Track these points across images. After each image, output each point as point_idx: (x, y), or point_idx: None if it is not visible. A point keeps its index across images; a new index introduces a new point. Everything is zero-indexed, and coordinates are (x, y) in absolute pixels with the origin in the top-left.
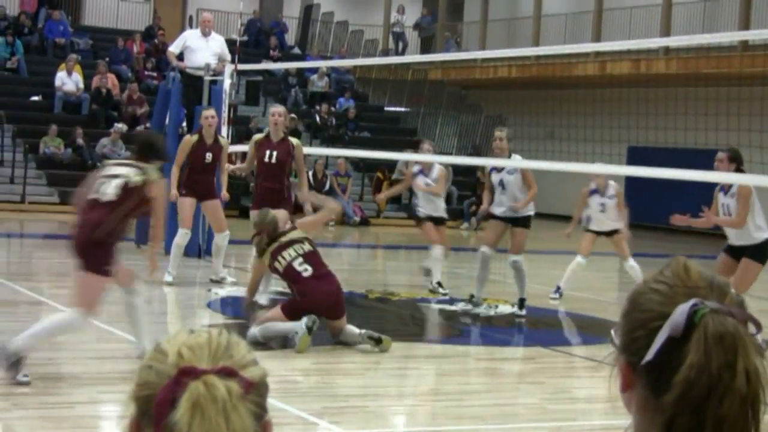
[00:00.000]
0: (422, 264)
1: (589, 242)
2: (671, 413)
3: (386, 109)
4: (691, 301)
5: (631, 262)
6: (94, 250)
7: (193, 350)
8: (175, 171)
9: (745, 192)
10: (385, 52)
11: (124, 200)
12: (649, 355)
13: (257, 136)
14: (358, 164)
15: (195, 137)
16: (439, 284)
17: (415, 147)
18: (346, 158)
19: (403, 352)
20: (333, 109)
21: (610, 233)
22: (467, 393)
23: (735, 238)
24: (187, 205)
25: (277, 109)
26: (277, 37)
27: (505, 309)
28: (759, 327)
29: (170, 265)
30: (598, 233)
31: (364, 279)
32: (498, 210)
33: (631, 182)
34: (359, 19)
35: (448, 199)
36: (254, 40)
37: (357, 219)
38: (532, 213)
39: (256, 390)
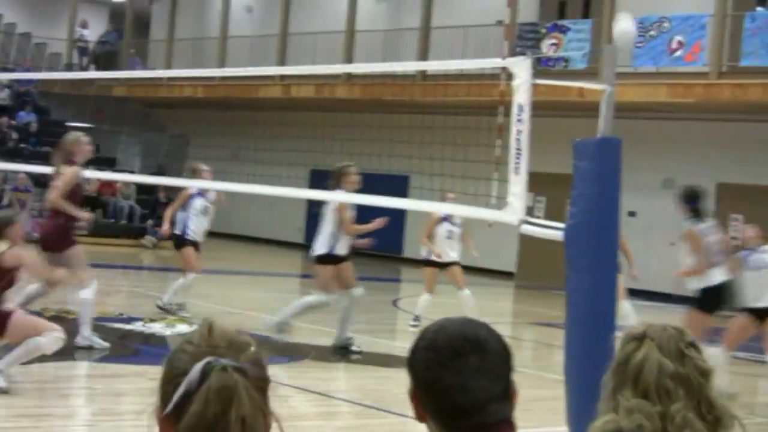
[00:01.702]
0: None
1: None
2: None
3: (69, 124)
4: (206, 359)
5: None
6: None
7: None
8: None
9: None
10: (69, 67)
11: None
12: (169, 408)
13: None
14: (38, 179)
15: (75, 167)
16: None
17: (193, 172)
18: (27, 173)
19: (77, 371)
20: (13, 122)
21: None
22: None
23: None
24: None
25: None
26: None
27: (183, 328)
28: (267, 381)
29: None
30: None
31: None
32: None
33: (312, 206)
34: (43, 32)
35: (131, 217)
36: None
37: (36, 236)
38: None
39: None
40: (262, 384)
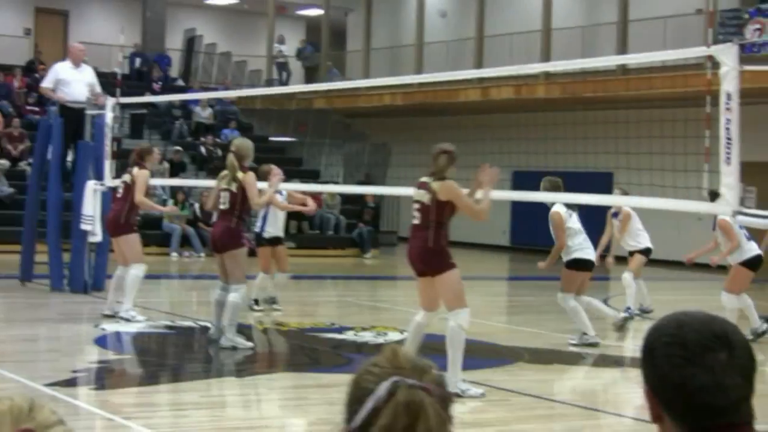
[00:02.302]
0: None
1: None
2: None
3: (271, 139)
4: (392, 378)
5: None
6: None
7: None
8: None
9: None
10: (269, 82)
11: None
12: (356, 422)
13: None
14: None
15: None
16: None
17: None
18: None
19: (292, 382)
20: (218, 140)
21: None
22: None
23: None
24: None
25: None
26: (160, 68)
27: (395, 336)
28: (450, 400)
29: (129, 300)
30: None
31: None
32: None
33: (516, 207)
34: (242, 50)
35: (337, 228)
36: (137, 73)
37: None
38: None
39: None
40: (444, 404)
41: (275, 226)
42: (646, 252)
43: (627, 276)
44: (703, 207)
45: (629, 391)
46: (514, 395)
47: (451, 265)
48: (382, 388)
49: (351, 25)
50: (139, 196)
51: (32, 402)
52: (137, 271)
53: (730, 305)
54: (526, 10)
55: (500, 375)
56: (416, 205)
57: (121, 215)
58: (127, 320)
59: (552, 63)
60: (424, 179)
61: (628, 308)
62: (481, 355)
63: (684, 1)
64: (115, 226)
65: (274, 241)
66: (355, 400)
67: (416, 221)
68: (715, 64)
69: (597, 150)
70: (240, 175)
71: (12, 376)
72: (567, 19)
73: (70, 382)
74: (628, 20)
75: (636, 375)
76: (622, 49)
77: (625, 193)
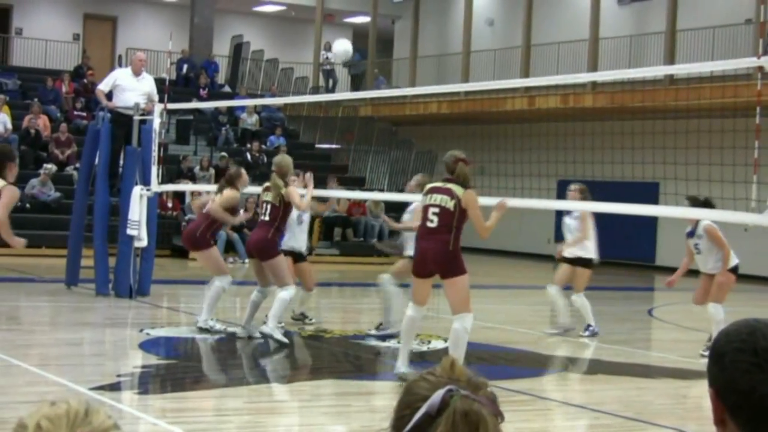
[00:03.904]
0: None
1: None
2: None
3: (317, 146)
4: (447, 387)
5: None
6: None
7: (53, 421)
8: None
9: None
10: (316, 90)
11: None
12: (407, 428)
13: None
14: None
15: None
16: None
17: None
18: None
19: (336, 389)
20: (264, 146)
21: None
22: None
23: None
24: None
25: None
26: (207, 75)
27: (438, 344)
28: (502, 417)
29: (210, 310)
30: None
31: None
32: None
33: (560, 216)
34: (289, 57)
35: (381, 236)
36: (184, 79)
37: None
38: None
39: None
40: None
41: (293, 240)
42: (589, 262)
43: (577, 299)
44: (750, 218)
45: (674, 402)
46: (557, 405)
47: (465, 270)
48: (437, 395)
49: (398, 33)
50: (218, 208)
51: (88, 406)
52: (221, 282)
53: (720, 316)
54: (573, 19)
55: (544, 384)
56: (435, 209)
57: (198, 229)
58: (207, 330)
59: (600, 73)
60: (442, 185)
61: (589, 326)
62: (526, 364)
63: (733, 11)
64: (189, 239)
65: (295, 256)
66: (405, 406)
67: (433, 225)
68: (765, 75)
69: (644, 160)
70: (284, 190)
71: (57, 380)
72: (615, 29)
73: (115, 386)
74: (676, 30)
75: (681, 386)
76: (670, 59)
77: (582, 191)
